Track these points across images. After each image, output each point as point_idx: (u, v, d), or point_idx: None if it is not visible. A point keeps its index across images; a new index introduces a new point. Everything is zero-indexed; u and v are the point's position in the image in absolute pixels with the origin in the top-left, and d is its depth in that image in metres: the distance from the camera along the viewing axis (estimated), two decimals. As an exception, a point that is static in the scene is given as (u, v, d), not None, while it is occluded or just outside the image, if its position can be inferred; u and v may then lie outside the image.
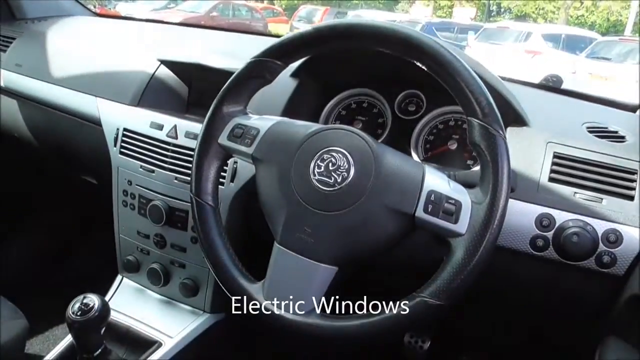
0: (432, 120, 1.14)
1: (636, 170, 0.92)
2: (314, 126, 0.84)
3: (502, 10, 33.51)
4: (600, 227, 0.88)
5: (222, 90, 0.89)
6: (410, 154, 1.13)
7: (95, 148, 1.33)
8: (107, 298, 1.27)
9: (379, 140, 1.16)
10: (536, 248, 0.91)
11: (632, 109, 1.20)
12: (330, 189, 0.77)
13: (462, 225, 0.73)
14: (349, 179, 0.77)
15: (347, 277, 0.81)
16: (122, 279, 1.32)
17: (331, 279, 0.78)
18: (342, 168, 0.77)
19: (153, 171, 1.20)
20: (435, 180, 0.77)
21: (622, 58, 8.58)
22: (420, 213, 0.75)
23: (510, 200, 0.91)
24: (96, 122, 1.33)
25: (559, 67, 9.20)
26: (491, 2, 31.54)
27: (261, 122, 0.88)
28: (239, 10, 14.53)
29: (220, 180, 1.11)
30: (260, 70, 0.87)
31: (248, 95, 0.90)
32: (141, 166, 1.22)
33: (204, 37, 1.73)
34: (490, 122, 0.73)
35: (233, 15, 14.13)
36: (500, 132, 0.73)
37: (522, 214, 0.92)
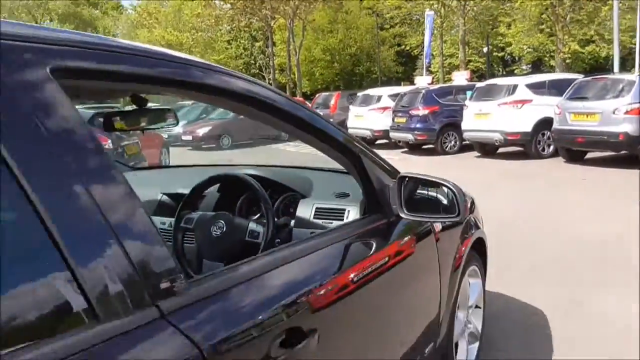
0: None
1: None
2: None
3: (517, 58, 34.33)
4: None
5: None
6: None
7: None
8: None
9: None
10: None
11: None
12: None
13: None
14: None
15: None
16: None
17: None
18: None
19: None
20: None
21: (600, 94, 9.14)
22: None
23: None
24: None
25: (548, 110, 9.89)
26: (505, 53, 32.45)
27: None
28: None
29: None
30: None
31: None
32: None
33: None
34: None
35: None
36: None
37: None
